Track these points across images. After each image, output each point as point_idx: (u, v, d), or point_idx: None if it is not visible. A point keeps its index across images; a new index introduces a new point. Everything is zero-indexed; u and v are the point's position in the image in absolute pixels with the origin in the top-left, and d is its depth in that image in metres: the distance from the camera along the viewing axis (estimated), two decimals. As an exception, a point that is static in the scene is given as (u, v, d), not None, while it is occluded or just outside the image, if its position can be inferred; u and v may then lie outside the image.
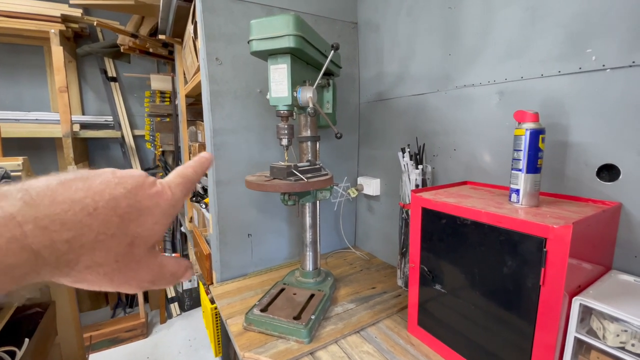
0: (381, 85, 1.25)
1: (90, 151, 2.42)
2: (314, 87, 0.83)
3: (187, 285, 2.42)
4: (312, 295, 0.99)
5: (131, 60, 2.36)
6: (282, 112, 0.83)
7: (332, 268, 1.28)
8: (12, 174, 1.11)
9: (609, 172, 0.69)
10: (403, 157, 1.04)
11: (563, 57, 0.72)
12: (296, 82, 0.82)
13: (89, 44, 2.22)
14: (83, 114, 2.35)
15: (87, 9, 2.10)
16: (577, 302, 0.57)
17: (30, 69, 2.22)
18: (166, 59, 2.21)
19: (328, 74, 1.05)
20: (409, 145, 1.08)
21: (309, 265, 1.08)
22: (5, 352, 0.90)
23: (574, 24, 0.70)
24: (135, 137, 2.42)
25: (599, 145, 0.68)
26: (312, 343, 0.83)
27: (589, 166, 0.70)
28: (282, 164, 0.85)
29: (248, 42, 0.79)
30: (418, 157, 1.03)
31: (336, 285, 1.13)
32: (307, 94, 0.82)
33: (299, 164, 0.88)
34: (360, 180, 1.40)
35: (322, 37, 0.92)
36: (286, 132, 0.85)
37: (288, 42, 0.74)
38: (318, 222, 1.08)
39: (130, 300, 2.54)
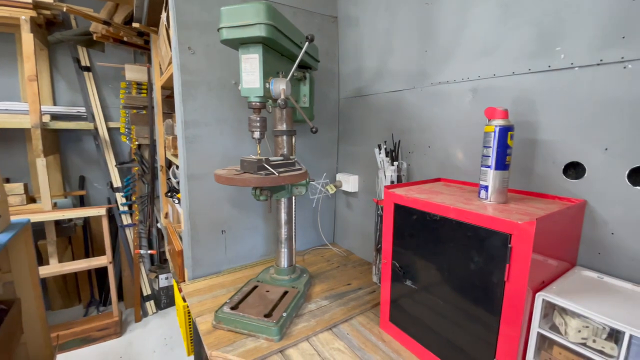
0: (360, 80, 1.24)
1: (62, 143, 2.32)
2: (288, 79, 0.81)
3: (163, 282, 2.36)
4: (285, 293, 0.97)
5: (105, 50, 2.27)
6: (253, 103, 0.81)
7: (309, 265, 1.26)
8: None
9: (575, 169, 0.70)
10: (379, 153, 1.04)
11: (533, 55, 0.72)
12: (269, 73, 0.80)
13: (61, 31, 2.11)
14: (54, 104, 2.24)
15: (59, -6, 2.00)
16: (540, 297, 0.57)
17: (1, 57, 2.10)
18: (143, 49, 2.13)
19: (305, 67, 1.03)
20: (385, 142, 1.07)
21: (284, 262, 1.07)
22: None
23: (545, 22, 0.71)
24: (110, 129, 2.33)
25: (566, 142, 0.69)
26: (282, 341, 0.81)
27: (556, 164, 0.71)
28: (253, 157, 0.82)
29: (218, 30, 0.76)
30: (394, 153, 1.03)
31: (311, 282, 1.11)
32: (280, 86, 0.80)
33: (271, 158, 0.86)
34: (339, 176, 1.39)
35: (301, 30, 0.90)
36: (258, 124, 0.82)
37: (259, 31, 0.72)
38: (294, 218, 1.06)
39: (104, 299, 2.46)
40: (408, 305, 0.80)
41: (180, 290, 1.39)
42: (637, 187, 0.60)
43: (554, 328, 0.58)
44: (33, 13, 1.86)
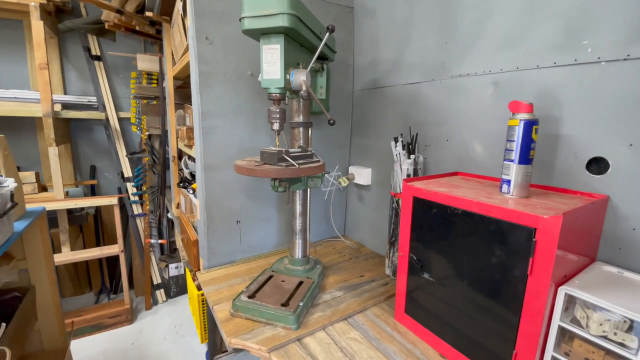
0: (376, 72, 1.23)
1: (73, 133, 2.33)
2: (308, 70, 0.81)
3: (173, 271, 2.39)
4: (300, 283, 0.99)
5: (116, 39, 2.26)
6: (273, 94, 0.81)
7: (320, 256, 1.27)
8: (-13, 152, 1.05)
9: (597, 164, 0.69)
10: (396, 146, 1.04)
11: (559, 48, 0.72)
12: (289, 64, 0.80)
13: (71, 19, 2.11)
14: (65, 93, 2.25)
15: (69, -18, 1.99)
16: (562, 291, 0.58)
17: (9, 44, 2.10)
18: (154, 39, 2.12)
19: (322, 58, 1.03)
20: (401, 134, 1.07)
21: (298, 253, 1.08)
22: (-19, 336, 0.87)
23: (572, 14, 0.69)
24: (120, 119, 2.34)
25: (590, 138, 0.69)
26: (299, 329, 0.83)
27: (578, 159, 0.71)
28: (273, 149, 0.83)
29: (240, 20, 0.75)
30: (411, 146, 1.03)
31: (325, 273, 1.13)
32: (300, 77, 0.79)
33: (290, 150, 0.86)
34: (351, 169, 1.39)
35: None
36: (278, 116, 0.83)
37: (282, 21, 0.71)
38: (308, 210, 1.06)
39: (114, 286, 2.50)
40: (425, 297, 0.81)
41: (194, 279, 1.41)
42: (664, 183, 0.59)
43: (574, 321, 0.59)
44: (43, 0, 1.86)
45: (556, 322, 0.59)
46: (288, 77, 0.79)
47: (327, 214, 1.42)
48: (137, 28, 1.79)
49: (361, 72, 1.32)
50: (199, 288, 1.34)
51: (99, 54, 2.26)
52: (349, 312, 0.91)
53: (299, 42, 0.85)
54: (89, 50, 2.23)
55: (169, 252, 2.45)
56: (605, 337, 0.54)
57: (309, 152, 0.91)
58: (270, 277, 1.02)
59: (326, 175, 1.36)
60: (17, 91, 2.01)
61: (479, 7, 0.86)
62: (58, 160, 1.89)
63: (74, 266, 2.39)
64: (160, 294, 2.43)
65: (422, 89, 1.04)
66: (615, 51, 0.64)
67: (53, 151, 1.87)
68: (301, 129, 0.99)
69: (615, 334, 0.53)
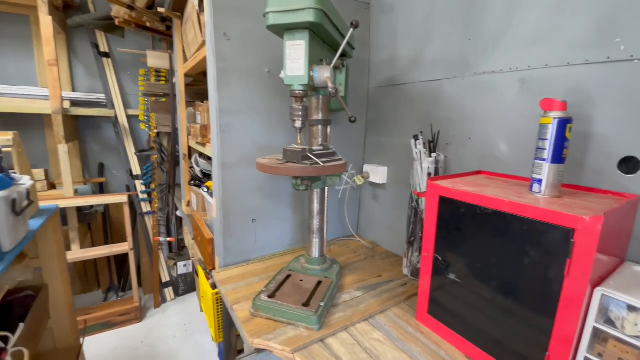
0: (394, 69, 1.22)
1: (81, 130, 2.33)
2: (332, 66, 0.79)
3: (182, 269, 2.39)
4: (319, 282, 0.98)
5: (125, 36, 2.25)
6: (297, 92, 0.79)
7: (335, 255, 1.26)
8: (3, 149, 1.04)
9: (629, 164, 0.68)
10: (416, 145, 1.02)
11: (591, 46, 0.70)
12: (313, 61, 0.78)
13: (79, 15, 2.09)
14: (73, 90, 2.24)
15: (78, -22, 1.97)
16: (598, 292, 0.56)
17: (16, 39, 2.09)
18: (163, 35, 2.10)
19: (342, 55, 1.01)
20: (422, 132, 1.06)
21: (315, 252, 1.07)
22: None
23: (604, 11, 0.68)
24: (128, 117, 2.33)
25: (622, 136, 0.67)
26: (321, 330, 0.82)
27: (610, 158, 0.69)
28: (296, 147, 0.82)
29: (264, 15, 0.74)
30: (432, 144, 1.01)
31: (342, 273, 1.12)
32: (324, 74, 0.78)
33: (313, 147, 0.85)
34: (366, 167, 1.37)
35: (338, 15, 0.88)
36: (300, 113, 0.81)
37: (308, 16, 0.70)
38: (326, 209, 1.05)
39: (123, 284, 2.50)
40: (449, 298, 0.80)
41: (208, 277, 1.41)
42: None
43: (608, 322, 0.58)
44: (52, -5, 1.84)
45: (591, 323, 0.58)
46: (312, 74, 0.78)
47: (341, 212, 1.41)
48: (148, 24, 1.78)
49: (377, 69, 1.30)
50: (213, 287, 1.33)
51: (107, 50, 2.25)
52: (369, 312, 0.91)
53: (322, 38, 0.83)
54: (97, 46, 2.22)
55: (178, 250, 2.45)
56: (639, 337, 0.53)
57: (331, 150, 0.90)
58: (289, 276, 1.02)
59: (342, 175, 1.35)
60: (25, 88, 2.00)
61: (505, 3, 0.84)
62: (67, 158, 1.88)
63: (83, 264, 2.39)
64: (169, 292, 2.42)
65: (444, 87, 1.03)
66: (652, 48, 0.62)
67: (63, 149, 1.86)
68: (320, 127, 0.98)
69: (654, 335, 0.52)
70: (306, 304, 0.86)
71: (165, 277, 2.42)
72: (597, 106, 0.70)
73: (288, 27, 0.75)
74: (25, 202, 0.91)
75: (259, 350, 0.81)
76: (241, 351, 1.37)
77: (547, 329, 0.60)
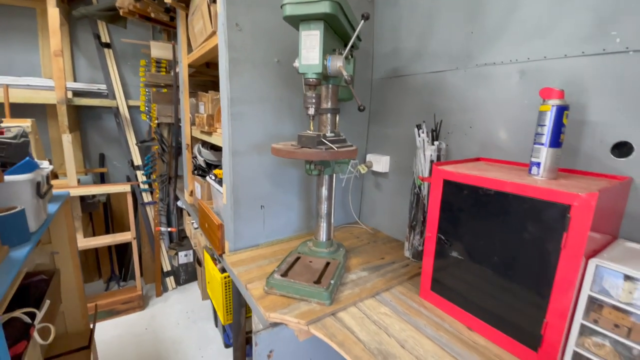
0: (397, 61, 1.26)
1: (82, 121, 2.33)
2: (344, 56, 0.83)
3: (182, 259, 2.42)
4: (327, 263, 1.03)
5: (126, 26, 2.25)
6: (311, 80, 0.83)
7: (340, 240, 1.31)
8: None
9: (621, 148, 0.74)
10: (419, 133, 1.07)
11: (588, 38, 0.75)
12: (326, 51, 0.82)
13: (82, 6, 2.09)
14: (75, 80, 2.24)
15: (79, -33, 1.97)
16: (593, 263, 0.62)
17: (21, 32, 2.08)
18: (166, 26, 2.11)
19: (352, 46, 1.05)
20: (424, 122, 1.10)
21: (323, 236, 1.11)
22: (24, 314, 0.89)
23: (601, 5, 0.73)
24: (129, 107, 2.34)
25: (615, 123, 0.73)
26: (332, 305, 0.87)
27: (603, 143, 0.75)
28: (311, 132, 0.86)
29: (281, 7, 0.78)
30: (435, 133, 1.06)
31: (348, 256, 1.17)
32: (337, 63, 0.82)
33: (327, 134, 0.89)
34: (369, 157, 1.42)
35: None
36: (314, 101, 0.85)
37: (324, 8, 0.74)
38: (334, 194, 1.10)
39: (124, 274, 2.53)
40: (452, 274, 0.85)
41: (216, 262, 1.45)
42: (687, 165, 0.64)
43: (603, 291, 0.63)
44: (56, -14, 1.84)
45: (586, 292, 0.63)
46: (325, 63, 0.82)
47: (345, 200, 1.46)
48: (152, 15, 1.79)
49: (381, 60, 1.34)
50: (222, 271, 1.38)
51: (108, 41, 2.25)
52: (375, 290, 0.96)
53: (335, 29, 0.87)
54: (98, 37, 2.22)
55: (178, 240, 2.48)
56: (631, 304, 0.59)
57: (342, 137, 0.95)
58: (298, 258, 1.06)
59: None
60: (30, 78, 2.00)
61: (507, -3, 0.89)
62: (71, 148, 1.90)
63: (84, 253, 2.40)
64: (170, 281, 2.46)
65: (446, 78, 1.07)
66: (643, 41, 0.67)
67: (67, 138, 1.87)
68: (329, 115, 1.02)
69: (643, 301, 0.58)
70: (317, 282, 0.91)
71: (167, 267, 2.45)
72: (592, 96, 0.76)
73: (304, 18, 0.78)
74: (46, 186, 0.94)
75: (273, 325, 0.86)
76: (249, 332, 1.42)
77: (545, 298, 0.66)
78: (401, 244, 1.29)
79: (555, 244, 0.64)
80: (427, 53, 1.14)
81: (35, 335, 0.86)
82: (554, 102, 0.70)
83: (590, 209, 0.58)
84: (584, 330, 0.65)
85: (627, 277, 0.60)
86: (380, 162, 1.36)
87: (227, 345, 1.88)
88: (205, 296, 2.33)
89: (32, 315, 0.87)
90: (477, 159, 0.99)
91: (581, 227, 0.60)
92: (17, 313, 0.85)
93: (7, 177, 0.80)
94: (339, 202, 1.46)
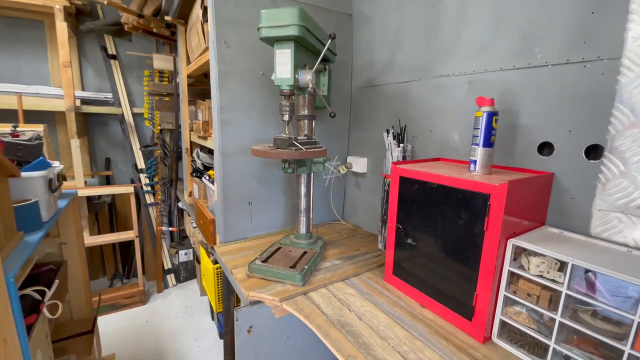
0: (372, 72, 1.40)
1: (89, 127, 2.49)
2: (313, 70, 0.97)
3: (183, 257, 2.55)
4: (305, 252, 1.15)
5: (132, 39, 2.42)
6: (284, 91, 0.97)
7: (321, 235, 1.44)
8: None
9: (545, 148, 0.86)
10: (387, 137, 1.20)
11: (517, 54, 0.88)
12: (297, 66, 0.96)
13: (89, 21, 2.27)
14: (83, 89, 2.41)
15: (89, -13, 2.15)
16: (510, 243, 0.74)
17: (31, 43, 2.26)
18: (166, 39, 2.28)
19: (325, 60, 1.19)
20: (392, 127, 1.24)
21: (303, 229, 1.24)
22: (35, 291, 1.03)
23: (526, 27, 0.86)
24: (134, 114, 2.50)
25: (541, 126, 0.86)
26: (305, 286, 1.00)
27: (532, 143, 0.88)
28: (284, 136, 0.99)
29: (258, 29, 0.92)
30: (400, 136, 1.20)
31: (325, 247, 1.29)
32: (307, 77, 0.96)
33: (298, 137, 1.03)
34: (349, 159, 1.55)
35: (320, 26, 1.06)
36: (288, 109, 0.99)
37: (293, 31, 0.88)
38: (312, 191, 1.23)
39: (127, 272, 2.66)
40: (409, 259, 0.98)
41: (209, 255, 1.58)
42: (591, 161, 0.76)
43: (521, 268, 0.76)
44: (66, 2, 2.02)
45: (507, 267, 0.75)
46: (297, 77, 0.96)
47: (327, 199, 1.59)
48: (154, 30, 1.95)
49: (359, 72, 1.48)
50: (214, 263, 1.51)
51: (114, 53, 2.42)
52: (346, 275, 1.08)
53: (306, 47, 1.01)
54: (105, 49, 2.39)
55: (179, 240, 2.62)
56: (541, 276, 0.71)
57: (313, 140, 1.08)
58: (279, 248, 1.19)
59: (327, 164, 1.52)
60: (40, 87, 2.17)
61: (455, 19, 1.02)
62: (79, 152, 2.05)
63: (90, 252, 2.55)
64: (170, 278, 2.59)
65: (411, 87, 1.21)
66: (559, 56, 0.80)
67: (75, 143, 2.03)
68: (306, 121, 1.16)
69: (548, 272, 0.70)
70: (293, 267, 1.04)
71: (168, 264, 2.59)
72: (522, 103, 0.89)
73: (277, 39, 0.93)
74: (57, 183, 1.08)
75: (253, 303, 0.98)
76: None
77: (475, 273, 0.78)
78: (377, 238, 1.41)
79: (480, 227, 0.76)
80: (396, 65, 1.27)
81: (45, 310, 1.00)
82: (485, 108, 0.83)
83: (503, 197, 0.71)
84: (507, 301, 0.77)
85: (536, 254, 0.72)
86: (359, 164, 1.49)
87: (221, 336, 2.00)
88: (203, 292, 2.46)
89: (42, 295, 1.01)
90: (437, 159, 1.12)
91: (498, 211, 0.72)
92: (29, 290, 0.99)
93: (23, 174, 0.95)
94: (322, 201, 1.59)
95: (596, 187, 0.75)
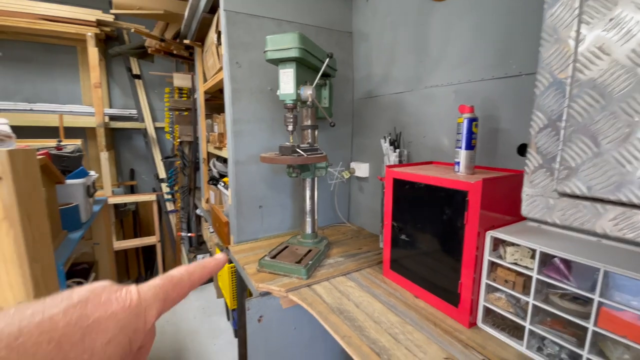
0: (370, 84, 1.52)
1: (116, 141, 2.71)
2: (313, 86, 1.10)
3: (200, 262, 2.70)
4: (310, 250, 1.26)
5: (154, 60, 2.64)
6: (288, 104, 1.10)
7: (327, 236, 1.54)
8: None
9: (522, 149, 0.95)
10: (384, 143, 1.31)
11: (495, 66, 0.98)
12: (299, 82, 1.09)
13: (116, 45, 2.50)
14: (110, 107, 2.63)
15: (117, 15, 2.38)
16: (489, 235, 0.83)
17: (64, 66, 2.50)
18: (185, 59, 2.48)
19: (326, 75, 1.32)
20: (389, 133, 1.34)
21: (309, 229, 1.35)
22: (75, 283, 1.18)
23: (502, 42, 0.96)
24: (156, 128, 2.70)
25: (517, 130, 0.94)
26: (309, 279, 1.10)
27: (512, 145, 0.97)
28: (288, 144, 1.12)
29: (264, 52, 1.06)
30: (396, 142, 1.30)
31: (330, 247, 1.40)
32: (307, 92, 1.08)
33: (301, 145, 1.15)
34: (352, 164, 1.66)
35: (322, 44, 1.19)
36: (291, 120, 1.12)
37: (294, 53, 1.01)
38: (316, 194, 1.34)
39: (149, 275, 2.83)
40: (403, 254, 1.07)
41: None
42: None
43: (500, 257, 0.84)
44: (97, 30, 2.25)
45: (486, 257, 0.84)
46: (299, 92, 1.09)
47: (332, 203, 1.70)
48: (174, 52, 2.14)
49: (359, 84, 1.60)
50: (229, 262, 1.64)
51: (139, 73, 2.64)
52: (347, 270, 1.18)
53: (307, 65, 1.14)
54: (130, 70, 2.62)
55: (197, 245, 2.77)
56: (516, 264, 0.79)
57: (315, 147, 1.20)
58: (287, 246, 1.30)
59: (330, 169, 1.64)
60: (72, 106, 2.40)
61: (441, 36, 1.13)
62: (108, 163, 2.25)
63: (115, 255, 2.74)
64: (189, 281, 2.74)
65: (405, 97, 1.31)
66: (530, 67, 0.90)
67: (104, 155, 2.23)
68: (309, 131, 1.28)
69: (521, 260, 0.78)
70: (298, 262, 1.15)
71: (187, 269, 2.74)
72: (501, 109, 0.98)
73: (280, 60, 1.06)
74: (93, 189, 1.24)
75: (263, 294, 1.10)
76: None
77: (459, 264, 0.87)
78: (378, 238, 1.50)
79: (461, 221, 0.85)
80: (391, 78, 1.39)
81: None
82: (466, 115, 0.93)
83: (478, 193, 0.80)
84: (489, 288, 0.85)
85: (511, 244, 0.80)
86: (362, 169, 1.60)
87: (236, 334, 2.12)
88: (219, 294, 2.59)
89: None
90: (429, 162, 1.21)
91: (475, 206, 0.81)
92: (70, 282, 1.14)
93: (67, 181, 1.11)
94: (328, 204, 1.70)
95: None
